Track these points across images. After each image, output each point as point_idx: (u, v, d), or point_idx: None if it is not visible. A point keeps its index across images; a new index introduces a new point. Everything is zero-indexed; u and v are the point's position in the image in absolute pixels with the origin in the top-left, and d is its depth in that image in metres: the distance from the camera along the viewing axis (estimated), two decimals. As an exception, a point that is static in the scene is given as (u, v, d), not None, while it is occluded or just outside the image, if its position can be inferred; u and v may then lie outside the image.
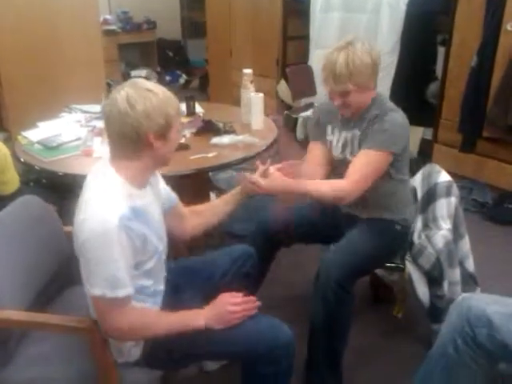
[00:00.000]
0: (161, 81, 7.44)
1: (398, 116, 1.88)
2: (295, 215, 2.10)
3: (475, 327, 1.37)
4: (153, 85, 1.38)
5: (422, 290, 2.09)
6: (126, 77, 7.28)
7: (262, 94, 2.81)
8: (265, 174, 1.80)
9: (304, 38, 5.05)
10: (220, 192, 3.18)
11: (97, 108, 2.90)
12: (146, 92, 1.33)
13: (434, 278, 2.06)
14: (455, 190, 2.11)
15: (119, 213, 1.31)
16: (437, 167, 2.23)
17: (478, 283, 2.16)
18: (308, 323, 1.97)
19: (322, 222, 2.15)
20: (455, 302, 1.51)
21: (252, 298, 1.53)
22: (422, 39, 4.20)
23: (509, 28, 3.33)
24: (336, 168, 2.07)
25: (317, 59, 4.77)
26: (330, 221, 2.13)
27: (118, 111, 1.32)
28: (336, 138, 2.03)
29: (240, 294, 1.53)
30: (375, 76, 1.85)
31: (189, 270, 1.79)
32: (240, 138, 2.52)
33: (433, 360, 1.51)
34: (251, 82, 2.88)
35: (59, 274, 1.76)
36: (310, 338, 1.97)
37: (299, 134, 4.92)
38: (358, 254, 1.91)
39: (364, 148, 1.85)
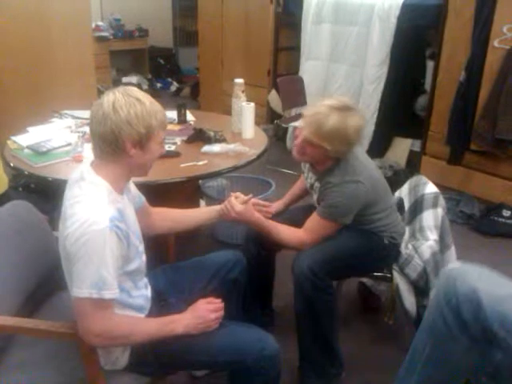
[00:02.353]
0: (152, 88, 7.47)
1: (353, 187, 1.88)
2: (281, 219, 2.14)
3: (462, 303, 1.26)
4: (144, 95, 1.40)
5: (409, 300, 2.11)
6: (117, 83, 7.29)
7: (253, 104, 2.83)
8: (242, 202, 1.87)
9: (295, 49, 5.10)
10: (209, 199, 3.19)
11: (87, 114, 2.88)
12: (134, 100, 1.36)
13: (421, 289, 2.08)
14: (442, 201, 2.14)
15: (109, 214, 1.32)
16: (423, 178, 2.26)
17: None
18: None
19: None
20: (444, 271, 1.43)
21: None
22: (412, 53, 4.25)
23: (496, 45, 3.39)
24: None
25: (308, 70, 4.82)
26: None
27: (102, 113, 1.35)
28: (306, 174, 2.16)
29: (218, 300, 1.54)
30: (349, 151, 1.90)
31: (175, 276, 1.80)
32: (231, 146, 2.54)
33: (422, 336, 1.38)
34: (242, 91, 2.91)
35: (48, 279, 1.75)
36: (297, 329, 2.02)
37: (289, 143, 4.95)
38: (333, 246, 1.95)
39: (317, 212, 1.95)
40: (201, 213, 1.95)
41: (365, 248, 2.01)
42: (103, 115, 1.35)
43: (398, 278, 2.11)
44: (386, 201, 2.04)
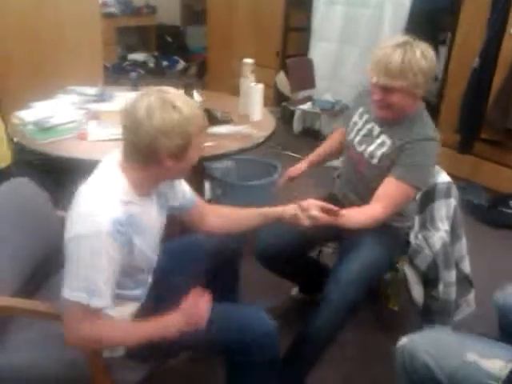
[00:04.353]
0: (158, 66, 7.36)
1: (435, 147, 1.78)
2: (291, 231, 1.97)
3: (419, 379, 1.38)
4: (182, 100, 1.28)
5: (417, 291, 2.07)
6: (123, 60, 7.20)
7: (261, 85, 2.77)
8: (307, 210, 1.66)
9: (305, 30, 4.99)
10: (214, 181, 3.14)
11: (93, 90, 2.84)
12: (169, 106, 1.25)
13: (430, 280, 2.04)
14: (455, 191, 2.08)
15: (113, 216, 1.24)
16: (436, 167, 2.20)
17: (473, 285, 2.15)
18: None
19: (321, 233, 2.00)
20: (397, 348, 1.47)
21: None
22: (425, 38, 4.14)
23: (512, 32, 3.31)
24: (346, 155, 2.03)
25: (318, 52, 4.73)
26: (331, 230, 1.99)
27: (134, 118, 1.25)
28: (362, 124, 1.95)
29: (204, 295, 1.44)
30: (425, 85, 1.72)
31: (176, 252, 1.74)
32: (238, 128, 2.49)
33: None
34: (252, 71, 2.84)
35: (48, 260, 1.71)
36: (295, 350, 1.91)
37: (296, 126, 4.88)
38: (373, 268, 1.86)
39: (397, 176, 1.75)
40: (259, 216, 1.72)
41: (390, 255, 1.95)
42: (136, 122, 1.24)
43: (406, 268, 2.07)
44: None
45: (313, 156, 2.27)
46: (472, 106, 3.53)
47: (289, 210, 1.68)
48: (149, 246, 1.42)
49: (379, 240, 1.91)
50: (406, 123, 1.80)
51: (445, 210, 2.04)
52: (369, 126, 1.92)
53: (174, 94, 1.29)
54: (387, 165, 1.82)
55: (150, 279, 1.57)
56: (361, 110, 1.99)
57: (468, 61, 3.59)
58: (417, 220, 2.14)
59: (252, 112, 2.74)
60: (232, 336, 1.48)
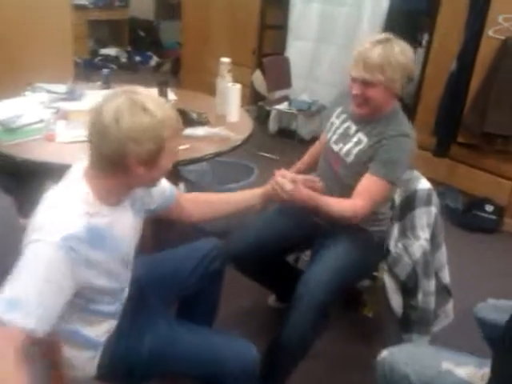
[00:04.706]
0: (130, 61, 7.21)
1: (410, 143, 1.80)
2: (265, 234, 2.04)
3: None
4: (154, 102, 1.18)
5: (396, 300, 2.03)
6: (95, 55, 7.02)
7: (239, 85, 2.70)
8: (292, 181, 1.69)
9: (282, 28, 4.92)
10: (189, 184, 3.06)
11: (62, 88, 2.72)
12: (140, 110, 1.15)
13: (409, 288, 2.00)
14: (435, 198, 2.05)
15: (67, 232, 1.12)
16: (416, 173, 2.17)
17: (452, 295, 2.12)
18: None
19: (295, 233, 2.06)
20: (378, 361, 1.51)
21: None
22: (402, 38, 4.12)
23: (490, 34, 3.30)
24: (323, 156, 2.02)
25: (294, 50, 4.67)
26: (304, 230, 2.04)
27: (100, 122, 1.14)
28: (339, 123, 1.96)
29: None
30: (402, 82, 1.75)
31: (155, 270, 1.67)
32: (215, 130, 2.41)
33: None
34: (229, 71, 2.76)
35: (10, 269, 1.60)
36: (270, 358, 1.86)
37: (272, 126, 4.83)
38: (344, 272, 1.82)
39: (375, 173, 1.77)
40: (242, 197, 1.73)
41: (362, 260, 1.90)
42: (102, 127, 1.14)
43: (386, 277, 2.03)
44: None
45: (300, 164, 2.26)
46: (449, 109, 3.52)
47: (267, 188, 1.69)
48: (119, 260, 1.33)
49: (352, 243, 1.89)
50: (382, 121, 1.82)
51: (425, 217, 2.01)
52: (345, 125, 1.93)
53: (145, 94, 1.19)
54: (364, 161, 1.82)
55: (125, 294, 1.48)
56: (339, 110, 2.01)
57: (445, 63, 3.58)
58: (396, 227, 2.10)
59: (229, 113, 2.67)
60: (210, 370, 1.42)
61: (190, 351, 1.42)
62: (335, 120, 2.00)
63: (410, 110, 4.05)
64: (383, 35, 1.76)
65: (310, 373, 2.07)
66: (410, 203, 2.07)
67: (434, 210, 2.02)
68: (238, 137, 2.41)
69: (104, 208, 1.24)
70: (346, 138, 1.90)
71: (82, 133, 2.16)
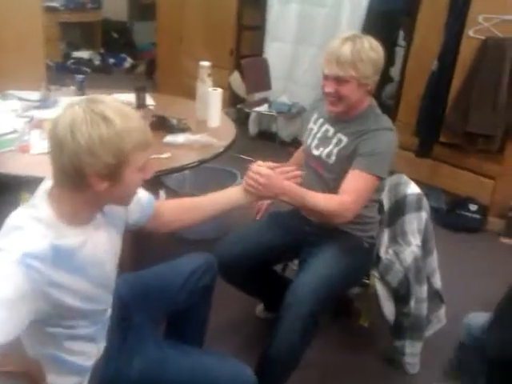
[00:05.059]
0: (104, 63, 7.07)
1: (392, 136, 1.78)
2: (253, 243, 1.98)
3: None
4: (116, 111, 1.08)
5: (388, 307, 1.99)
6: (67, 57, 6.86)
7: (220, 90, 2.63)
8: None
9: (260, 29, 4.87)
10: (169, 191, 2.97)
11: (35, 95, 2.61)
12: (99, 118, 1.05)
13: (401, 296, 1.96)
14: (425, 203, 2.02)
15: (28, 248, 1.04)
16: (404, 177, 2.14)
17: (444, 300, 2.09)
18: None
19: (282, 243, 2.01)
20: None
21: None
22: (382, 38, 4.10)
23: (471, 34, 3.29)
24: (305, 162, 1.98)
25: (273, 52, 4.61)
26: (290, 239, 2.00)
27: (56, 136, 1.06)
28: (317, 128, 1.94)
29: None
30: (374, 77, 1.75)
31: (139, 288, 1.58)
32: (197, 137, 2.33)
33: None
34: (209, 75, 2.69)
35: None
36: (261, 370, 1.78)
37: (252, 129, 4.76)
38: (333, 279, 1.77)
39: (358, 168, 1.72)
40: (223, 196, 1.60)
41: (352, 266, 1.85)
42: (58, 139, 1.05)
43: (377, 284, 1.98)
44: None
45: None
46: (430, 108, 3.50)
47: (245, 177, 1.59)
48: (94, 282, 1.22)
49: (340, 249, 1.85)
50: (358, 119, 1.80)
51: (416, 223, 1.97)
52: (323, 129, 1.91)
53: (108, 103, 1.09)
54: (346, 157, 1.79)
55: (107, 315, 1.39)
56: (315, 115, 1.99)
57: (426, 63, 3.56)
58: (386, 233, 2.06)
59: (210, 118, 2.60)
60: None
61: (181, 374, 1.35)
62: (313, 126, 1.97)
63: (391, 110, 4.03)
64: (351, 33, 1.76)
65: (303, 383, 2.01)
66: (399, 208, 2.03)
67: (424, 215, 1.98)
68: (220, 143, 2.34)
69: (69, 229, 1.14)
70: (325, 141, 1.88)
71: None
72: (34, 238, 1.07)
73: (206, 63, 2.68)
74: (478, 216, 3.41)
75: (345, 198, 1.69)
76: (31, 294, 1.04)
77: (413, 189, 2.04)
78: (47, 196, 1.14)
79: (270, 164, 1.61)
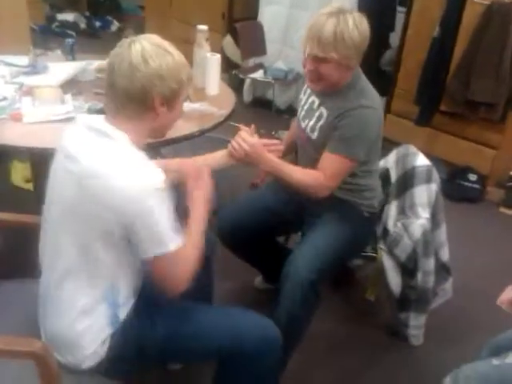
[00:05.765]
0: (90, 27, 6.80)
1: (372, 114, 1.71)
2: (256, 210, 1.99)
3: None
4: (169, 44, 1.24)
5: (395, 280, 1.97)
6: (51, 20, 6.59)
7: (218, 55, 2.52)
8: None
9: (253, -8, 4.69)
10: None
11: (24, 60, 2.48)
12: (163, 51, 1.21)
13: (409, 270, 1.93)
14: (435, 175, 1.97)
15: (159, 171, 1.19)
16: (413, 148, 2.08)
17: (451, 273, 2.06)
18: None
19: (285, 210, 1.98)
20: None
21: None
22: (382, 2, 3.98)
23: (474, -1, 3.19)
24: (298, 134, 1.96)
25: (268, 16, 4.44)
26: (293, 207, 1.96)
27: (128, 63, 1.17)
28: (305, 98, 1.91)
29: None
30: (358, 57, 1.68)
31: None
32: (196, 105, 2.24)
33: None
34: (207, 40, 2.58)
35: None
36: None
37: (246, 96, 4.63)
38: (330, 249, 1.75)
39: (331, 150, 1.71)
40: (209, 157, 1.76)
41: (351, 236, 1.82)
42: (130, 66, 1.17)
43: (385, 258, 1.95)
44: (378, 149, 1.85)
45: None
46: (432, 76, 3.42)
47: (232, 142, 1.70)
48: None
49: (340, 220, 1.83)
50: (342, 93, 1.74)
51: (426, 195, 1.93)
52: (310, 100, 1.87)
53: (161, 40, 1.25)
54: (326, 133, 1.76)
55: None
56: (305, 85, 1.93)
57: (427, 29, 3.46)
58: (394, 206, 2.01)
59: (208, 85, 2.50)
60: (230, 343, 1.37)
61: (206, 323, 1.38)
62: (302, 96, 1.94)
63: (390, 77, 3.95)
64: (337, 6, 1.66)
65: (309, 354, 2.00)
66: (408, 180, 1.98)
67: (434, 187, 1.94)
68: (220, 112, 2.26)
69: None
70: (310, 113, 1.85)
71: (51, 111, 1.98)
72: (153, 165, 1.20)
73: (203, 27, 2.57)
74: (477, 186, 3.38)
75: (321, 175, 1.70)
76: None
77: (422, 160, 1.99)
78: (111, 124, 1.22)
79: (257, 139, 1.70)
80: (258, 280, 2.39)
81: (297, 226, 2.05)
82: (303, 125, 1.87)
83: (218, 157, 1.74)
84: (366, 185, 1.87)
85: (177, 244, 1.21)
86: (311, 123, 1.82)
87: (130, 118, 1.22)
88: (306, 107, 1.88)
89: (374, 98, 1.74)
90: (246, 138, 1.66)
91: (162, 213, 1.18)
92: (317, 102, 1.82)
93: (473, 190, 3.38)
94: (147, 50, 1.18)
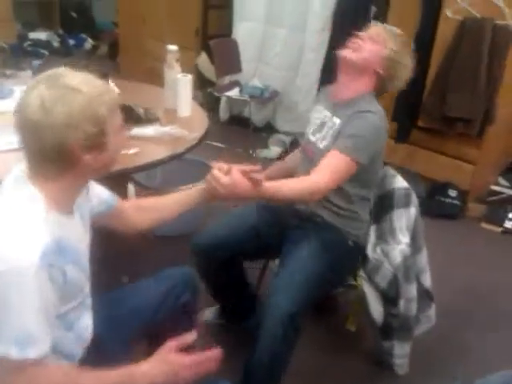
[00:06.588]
0: (63, 45, 6.70)
1: (378, 120, 1.71)
2: (242, 227, 1.91)
3: None
4: (80, 79, 1.04)
5: (376, 309, 1.89)
6: (23, 39, 6.47)
7: (190, 76, 2.44)
8: (227, 173, 1.49)
9: (227, 8, 4.64)
10: (138, 185, 2.79)
11: (-14, 84, 2.38)
12: (67, 91, 1.01)
13: (390, 297, 1.86)
14: (414, 198, 1.90)
15: (41, 246, 0.98)
16: (391, 170, 2.02)
17: (434, 299, 2.00)
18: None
19: (267, 233, 1.91)
20: None
21: (213, 353, 1.18)
22: (357, 18, 3.95)
23: (449, 15, 3.17)
24: (302, 150, 1.94)
25: (242, 32, 4.39)
26: (276, 231, 1.89)
27: (29, 120, 1.00)
28: (317, 114, 1.88)
29: (194, 357, 1.16)
30: (392, 80, 1.81)
31: (111, 310, 1.40)
32: (166, 129, 2.15)
33: None
34: (177, 60, 2.49)
35: None
36: (247, 380, 1.70)
37: (223, 114, 4.57)
38: (311, 280, 1.67)
39: (336, 147, 1.67)
40: (185, 195, 1.55)
41: (333, 265, 1.75)
42: (31, 124, 1.00)
43: (365, 286, 1.87)
44: (378, 168, 1.84)
45: (269, 170, 2.06)
46: (408, 93, 3.35)
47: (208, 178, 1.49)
48: (81, 271, 1.15)
49: (322, 246, 1.75)
50: (354, 102, 1.75)
51: (405, 219, 1.86)
52: (322, 115, 1.86)
53: (68, 74, 1.05)
54: (335, 140, 1.73)
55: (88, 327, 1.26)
56: (317, 106, 1.92)
57: (401, 44, 3.44)
58: (373, 230, 1.95)
59: (180, 107, 2.41)
60: None
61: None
62: (313, 114, 1.92)
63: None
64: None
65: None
66: (386, 204, 1.92)
67: (413, 210, 1.87)
68: (192, 135, 2.17)
69: (60, 216, 1.08)
70: (322, 126, 1.83)
71: (9, 139, 1.87)
72: (42, 231, 1.01)
73: (173, 47, 2.48)
74: (457, 202, 3.34)
75: (318, 177, 1.62)
76: (55, 293, 1.03)
77: (400, 183, 1.93)
78: (28, 179, 1.06)
79: (230, 167, 1.49)
80: (210, 312, 2.25)
81: (275, 252, 1.97)
82: (313, 139, 1.85)
83: (195, 196, 1.54)
84: (358, 214, 1.83)
85: (37, 353, 0.99)
86: (322, 134, 1.80)
87: (50, 179, 1.06)
88: (317, 122, 1.86)
89: (382, 114, 1.75)
90: (221, 180, 1.45)
91: (12, 301, 0.96)
92: (329, 115, 1.81)
93: (453, 206, 3.34)
94: (46, 98, 0.99)
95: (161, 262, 2.15)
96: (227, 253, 1.88)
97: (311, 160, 1.81)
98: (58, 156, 1.03)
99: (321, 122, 1.83)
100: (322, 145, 1.79)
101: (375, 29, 1.78)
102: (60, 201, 1.08)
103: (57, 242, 1.03)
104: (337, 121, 1.76)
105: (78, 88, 1.02)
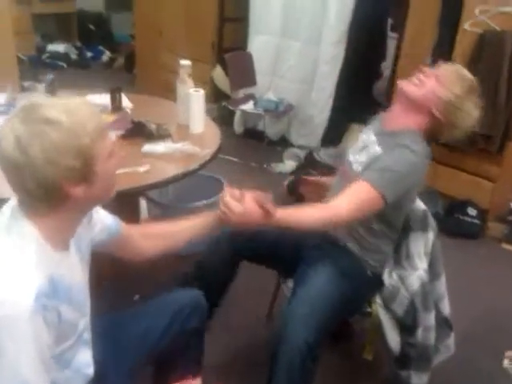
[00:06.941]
0: (81, 57, 6.76)
1: (415, 159, 1.60)
2: (264, 232, 1.78)
3: None
4: (57, 108, 0.95)
5: (393, 338, 1.80)
6: (42, 51, 6.54)
7: (202, 91, 2.39)
8: (238, 199, 1.44)
9: (243, 21, 4.62)
10: (150, 202, 2.75)
11: (1, 98, 2.36)
12: (43, 125, 0.92)
13: (408, 325, 1.78)
14: (432, 221, 1.82)
15: (35, 288, 0.94)
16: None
17: (453, 328, 1.91)
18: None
19: (284, 244, 1.85)
20: None
21: None
22: (373, 31, 3.91)
23: (467, 28, 3.10)
24: (340, 169, 1.89)
25: (257, 46, 4.37)
26: (292, 244, 1.84)
27: (7, 161, 0.93)
28: (365, 136, 1.81)
29: None
30: (452, 129, 1.74)
31: (114, 333, 1.37)
32: (178, 145, 2.11)
33: None
34: (189, 75, 2.45)
35: None
36: None
37: (237, 127, 4.53)
38: (329, 307, 1.59)
39: (365, 178, 1.59)
40: (194, 223, 1.49)
41: (350, 293, 1.67)
42: (11, 166, 0.93)
43: (381, 313, 1.79)
44: (406, 210, 1.76)
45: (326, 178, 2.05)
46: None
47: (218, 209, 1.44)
48: (76, 310, 1.09)
49: (339, 272, 1.68)
50: (400, 135, 1.66)
51: (422, 244, 1.78)
52: (366, 137, 1.79)
53: (47, 103, 0.96)
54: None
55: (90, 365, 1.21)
56: (368, 128, 1.86)
57: (419, 58, 3.36)
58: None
59: (193, 123, 2.37)
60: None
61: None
62: (362, 135, 1.84)
63: (384, 108, 3.84)
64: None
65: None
66: (403, 228, 1.84)
67: (431, 235, 1.79)
68: (204, 152, 2.12)
69: (54, 253, 1.03)
70: (363, 149, 1.76)
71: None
72: (35, 272, 0.96)
73: (186, 62, 2.44)
74: (477, 221, 3.24)
75: (340, 204, 1.55)
76: (50, 336, 0.99)
77: (417, 205, 1.85)
78: (23, 216, 1.00)
79: (242, 194, 1.44)
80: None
81: (286, 267, 1.92)
82: (351, 158, 1.79)
83: (207, 224, 1.49)
84: (380, 247, 1.77)
85: None
86: (361, 157, 1.74)
87: (42, 215, 1.00)
88: (361, 144, 1.79)
89: (424, 154, 1.65)
90: (233, 208, 1.41)
91: (6, 348, 0.92)
92: (374, 139, 1.74)
93: (472, 226, 3.23)
94: (21, 135, 0.91)
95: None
96: (248, 251, 1.85)
97: (344, 180, 1.75)
98: (44, 193, 0.96)
99: (364, 145, 1.77)
100: (356, 168, 1.73)
101: (445, 68, 1.70)
102: (54, 237, 1.02)
103: (50, 282, 0.98)
104: (378, 149, 1.69)
105: (56, 120, 0.93)
